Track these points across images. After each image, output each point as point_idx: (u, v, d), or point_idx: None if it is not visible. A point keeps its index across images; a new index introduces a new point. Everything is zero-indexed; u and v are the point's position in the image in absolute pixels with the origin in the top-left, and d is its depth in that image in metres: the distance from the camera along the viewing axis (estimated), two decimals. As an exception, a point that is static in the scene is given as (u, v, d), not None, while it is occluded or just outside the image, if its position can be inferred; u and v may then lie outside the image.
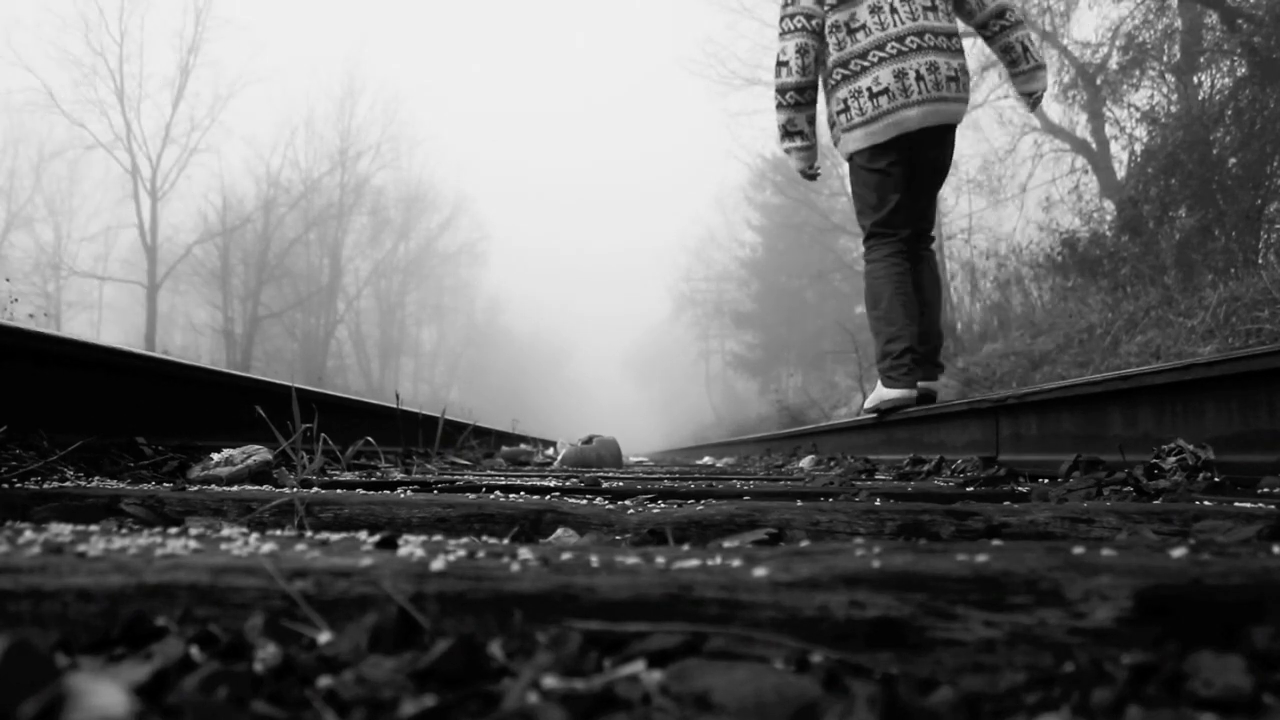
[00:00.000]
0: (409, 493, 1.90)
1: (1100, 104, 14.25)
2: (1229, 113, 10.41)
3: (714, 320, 45.56)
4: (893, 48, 4.32)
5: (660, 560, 0.81)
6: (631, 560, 0.82)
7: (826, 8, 4.47)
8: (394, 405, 4.79)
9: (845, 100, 4.48)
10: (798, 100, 4.60)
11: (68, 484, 1.90)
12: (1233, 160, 10.25)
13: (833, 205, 31.61)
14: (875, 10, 4.34)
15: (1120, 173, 14.54)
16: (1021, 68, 4.56)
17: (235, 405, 3.52)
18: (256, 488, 2.06)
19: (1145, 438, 2.97)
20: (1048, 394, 3.70)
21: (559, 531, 1.45)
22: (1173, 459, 2.40)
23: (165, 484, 2.07)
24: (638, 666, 0.64)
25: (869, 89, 4.38)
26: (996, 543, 0.90)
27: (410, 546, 0.91)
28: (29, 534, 0.94)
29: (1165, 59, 12.26)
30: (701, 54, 70.69)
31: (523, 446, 7.56)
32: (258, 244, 36.96)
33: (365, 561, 0.80)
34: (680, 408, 57.13)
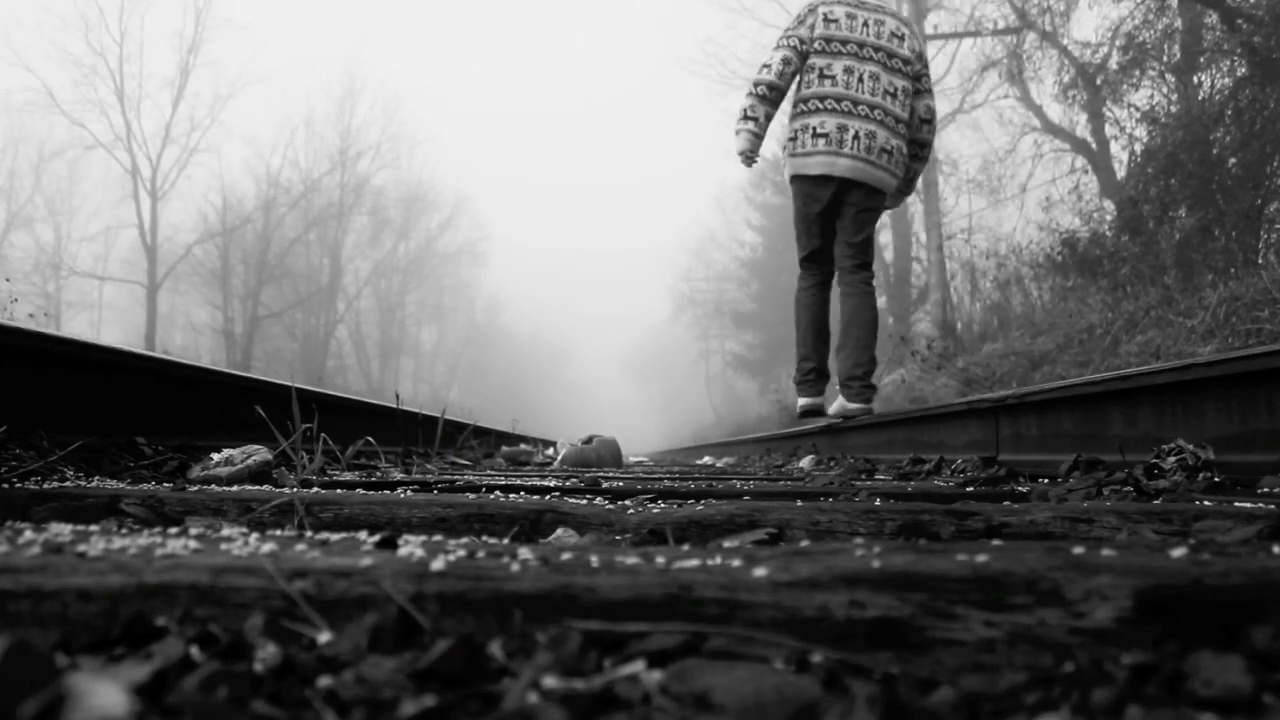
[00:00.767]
0: (409, 493, 1.90)
1: (1100, 104, 14.25)
2: (1229, 113, 10.41)
3: (714, 320, 45.57)
4: (846, 105, 5.07)
5: (660, 560, 0.81)
6: (631, 560, 0.82)
7: (815, 47, 5.16)
8: (394, 405, 4.79)
9: (795, 131, 5.24)
10: (765, 94, 5.23)
11: (68, 484, 1.90)
12: (1233, 160, 10.25)
13: (833, 205, 31.57)
14: (849, 71, 5.09)
15: (1120, 173, 14.54)
16: (903, 190, 5.53)
17: (235, 405, 3.53)
18: (256, 488, 2.06)
19: (1145, 438, 2.97)
20: (1048, 394, 3.70)
21: (559, 531, 1.45)
22: (1173, 459, 2.40)
23: (165, 484, 2.07)
24: (638, 666, 0.64)
25: (814, 128, 5.12)
26: (996, 543, 0.90)
27: (410, 546, 0.91)
28: (29, 534, 0.94)
29: (1165, 59, 12.26)
30: (701, 54, 70.67)
31: (523, 446, 7.56)
32: (258, 244, 36.96)
33: (365, 561, 0.80)
34: (680, 408, 57.14)
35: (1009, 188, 19.60)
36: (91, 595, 0.75)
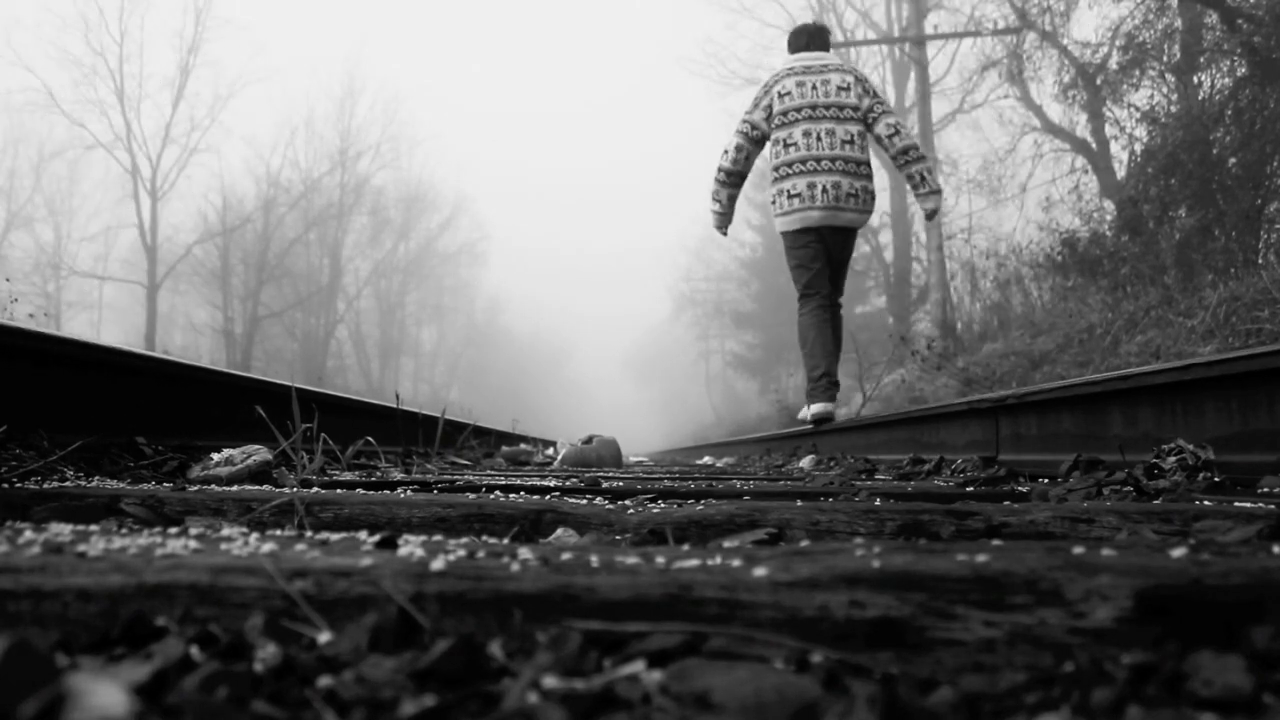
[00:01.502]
0: (409, 493, 1.90)
1: (1100, 104, 14.25)
2: (1229, 113, 10.41)
3: (714, 320, 45.56)
4: (810, 164, 5.83)
5: (660, 560, 0.81)
6: (631, 560, 0.82)
7: (774, 126, 5.96)
8: (394, 405, 4.79)
9: (775, 195, 6.04)
10: (724, 180, 6.17)
11: (68, 484, 1.90)
12: (1233, 160, 10.25)
13: (833, 205, 31.57)
14: (807, 134, 5.85)
15: (1120, 173, 14.54)
16: (920, 191, 6.00)
17: (235, 405, 3.53)
18: (256, 488, 2.06)
19: (1145, 438, 2.97)
20: (1048, 394, 3.70)
21: (559, 531, 1.45)
22: (1173, 459, 2.40)
23: (165, 484, 2.07)
24: (638, 666, 0.64)
25: (789, 191, 5.91)
26: (996, 543, 0.90)
27: (410, 546, 0.91)
28: (29, 534, 0.94)
29: (1165, 59, 12.25)
30: (701, 54, 70.68)
31: (523, 446, 7.56)
32: (258, 244, 36.95)
33: (365, 561, 0.80)
34: (680, 408, 57.12)
35: (1009, 188, 19.61)
36: (91, 595, 0.75)
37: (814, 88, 5.90)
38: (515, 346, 64.60)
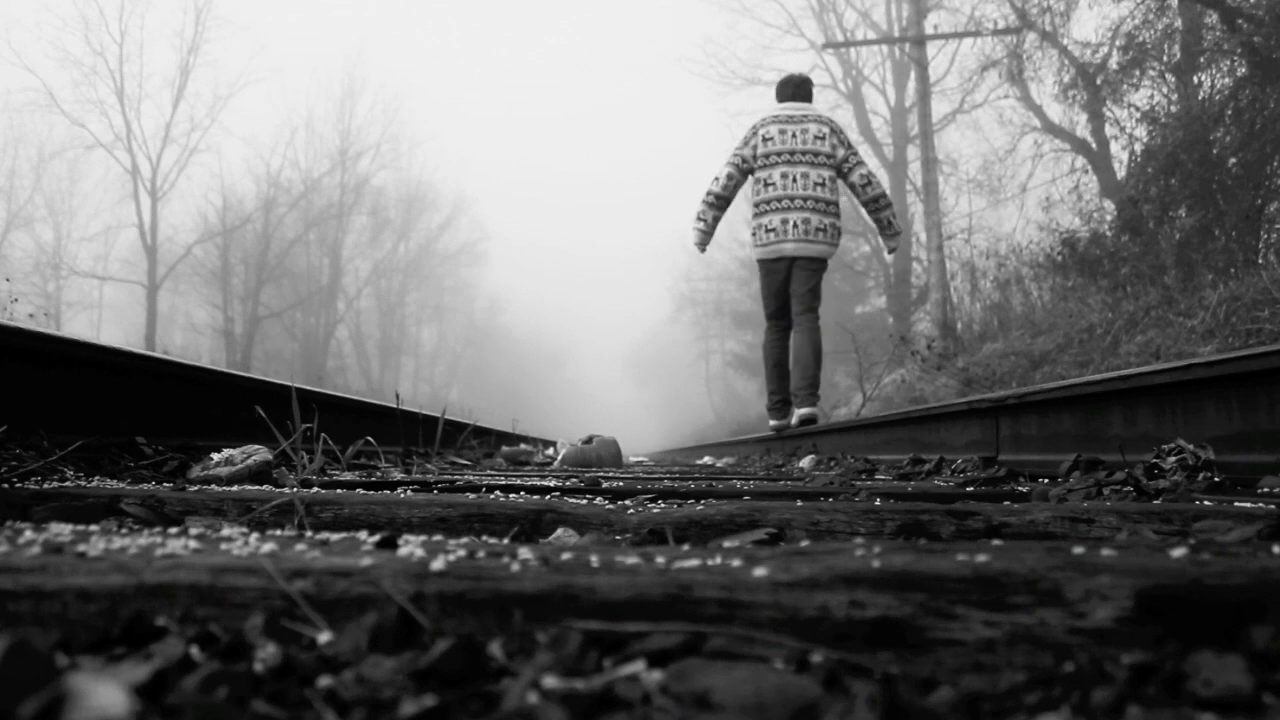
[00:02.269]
0: (409, 493, 1.90)
1: (1100, 104, 14.25)
2: (1229, 113, 10.41)
3: (714, 320, 45.57)
4: (785, 202, 6.72)
5: (660, 560, 0.81)
6: (631, 560, 0.82)
7: (757, 163, 6.81)
8: (394, 405, 4.79)
9: (754, 229, 6.95)
10: (712, 202, 7.01)
11: (68, 484, 1.90)
12: (1233, 160, 10.25)
13: (833, 205, 31.55)
14: (784, 176, 6.72)
15: (1120, 173, 14.54)
16: (886, 233, 7.12)
17: (235, 405, 3.53)
18: (256, 488, 2.06)
19: (1145, 438, 2.97)
20: (1048, 394, 3.70)
21: (559, 531, 1.45)
22: (1173, 459, 2.40)
23: (165, 484, 2.07)
24: (638, 666, 0.64)
25: (765, 225, 6.82)
26: (996, 543, 0.90)
27: (410, 546, 0.91)
28: (29, 534, 0.94)
29: (1165, 59, 12.25)
30: (702, 54, 70.68)
31: (523, 446, 7.56)
32: (258, 244, 36.95)
33: (365, 561, 0.80)
34: (680, 408, 57.09)
35: (1009, 188, 19.62)
36: (91, 595, 0.75)
37: (794, 135, 6.76)
38: (515, 346, 64.61)
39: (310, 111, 48.30)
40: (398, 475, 2.99)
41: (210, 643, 0.68)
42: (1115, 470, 2.59)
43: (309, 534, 1.04)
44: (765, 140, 6.78)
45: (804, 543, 1.18)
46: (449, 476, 2.81)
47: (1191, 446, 2.42)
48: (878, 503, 1.67)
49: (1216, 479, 2.22)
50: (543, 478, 2.87)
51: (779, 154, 6.73)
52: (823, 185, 6.74)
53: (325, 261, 40.50)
